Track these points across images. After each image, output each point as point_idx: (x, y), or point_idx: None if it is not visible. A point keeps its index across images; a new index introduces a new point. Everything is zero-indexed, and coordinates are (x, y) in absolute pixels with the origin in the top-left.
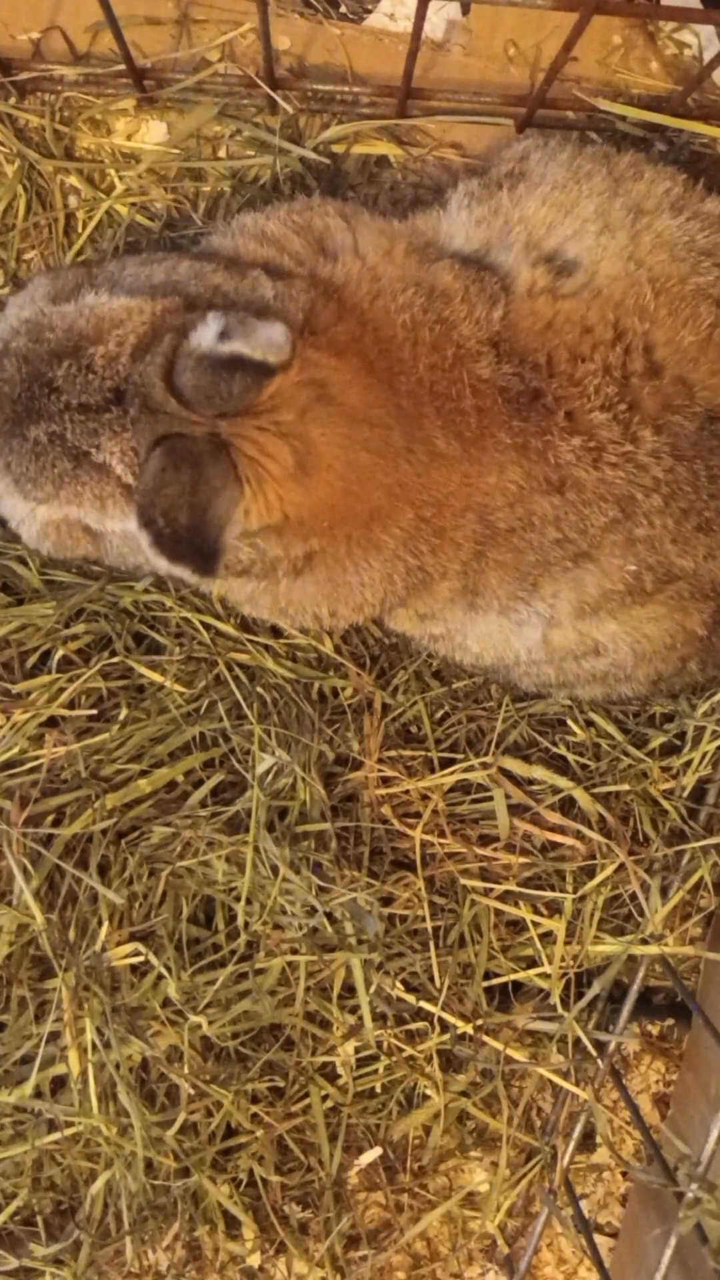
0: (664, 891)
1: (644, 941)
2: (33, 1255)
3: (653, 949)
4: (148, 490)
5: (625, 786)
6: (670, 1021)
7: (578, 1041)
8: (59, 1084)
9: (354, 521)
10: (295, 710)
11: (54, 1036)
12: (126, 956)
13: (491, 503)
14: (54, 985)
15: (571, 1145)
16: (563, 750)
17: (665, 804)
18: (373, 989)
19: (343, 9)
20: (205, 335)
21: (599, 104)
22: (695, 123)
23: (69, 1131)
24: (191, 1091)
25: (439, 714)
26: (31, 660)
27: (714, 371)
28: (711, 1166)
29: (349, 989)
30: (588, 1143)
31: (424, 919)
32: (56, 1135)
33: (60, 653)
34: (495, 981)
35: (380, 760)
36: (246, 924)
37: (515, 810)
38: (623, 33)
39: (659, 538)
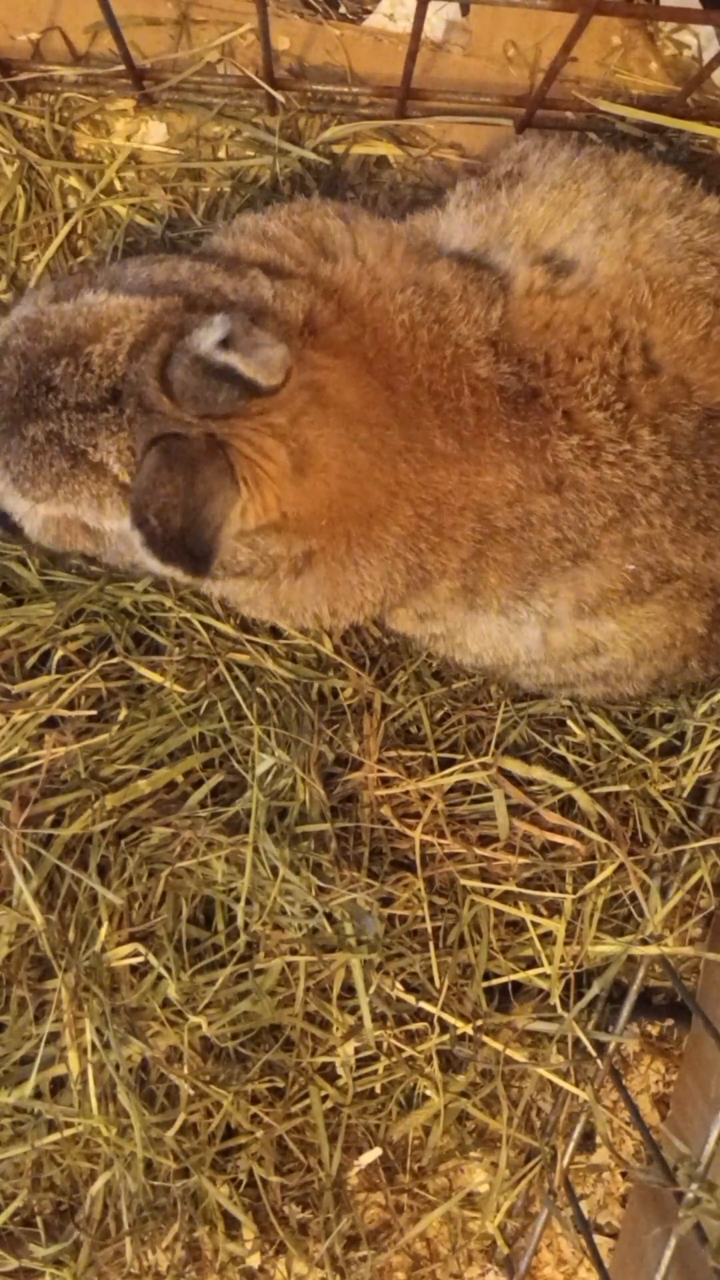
0: (664, 892)
1: (644, 942)
2: (33, 1256)
3: (652, 949)
4: (142, 491)
5: (625, 787)
6: (670, 1022)
7: (577, 1042)
8: (59, 1084)
9: (353, 520)
10: (295, 711)
11: (54, 1037)
12: (126, 957)
13: (490, 501)
14: (54, 986)
15: (571, 1145)
16: (562, 750)
17: (665, 804)
18: (372, 989)
19: (342, 9)
20: (207, 337)
21: (598, 104)
22: (695, 123)
23: (69, 1132)
24: (191, 1092)
25: (439, 714)
26: (31, 661)
27: (712, 370)
28: (711, 1166)
29: (349, 989)
30: (588, 1143)
31: (424, 919)
32: (56, 1136)
33: (60, 653)
34: (495, 982)
35: (380, 761)
36: (246, 924)
37: (515, 810)
38: (622, 33)
39: (657, 537)
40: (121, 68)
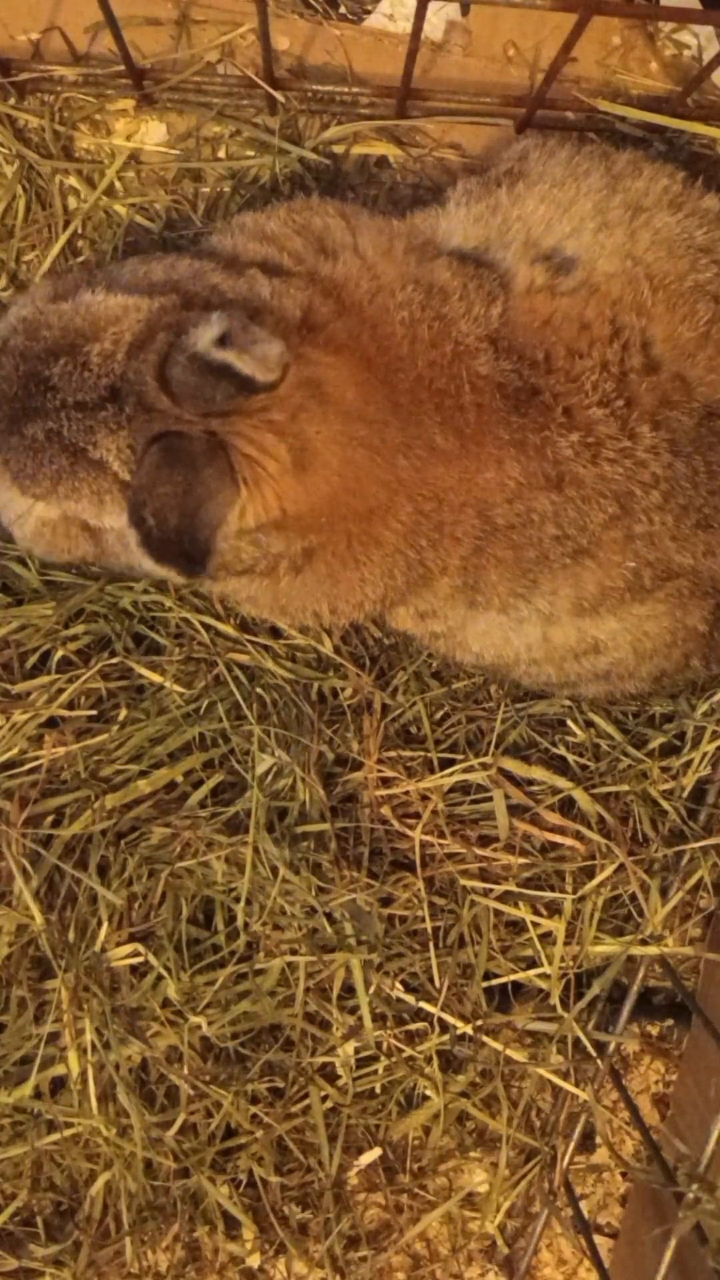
0: (664, 892)
1: (644, 942)
2: (33, 1255)
3: (652, 949)
4: (140, 489)
5: (625, 787)
6: (670, 1022)
7: (577, 1042)
8: (59, 1085)
9: (353, 517)
10: (295, 711)
11: (54, 1037)
12: (126, 957)
13: (490, 498)
14: (54, 986)
15: (571, 1146)
16: (562, 751)
17: (665, 804)
18: (372, 989)
19: (342, 9)
20: (203, 335)
21: (598, 104)
22: (695, 123)
23: (68, 1132)
24: (191, 1092)
25: (439, 714)
26: (31, 661)
27: (712, 367)
28: (711, 1167)
29: (349, 989)
30: (587, 1143)
31: (424, 919)
32: (56, 1136)
33: (60, 653)
34: (495, 982)
35: (380, 761)
36: (246, 924)
37: (515, 811)
38: (622, 33)
39: (658, 534)
40: (121, 68)
